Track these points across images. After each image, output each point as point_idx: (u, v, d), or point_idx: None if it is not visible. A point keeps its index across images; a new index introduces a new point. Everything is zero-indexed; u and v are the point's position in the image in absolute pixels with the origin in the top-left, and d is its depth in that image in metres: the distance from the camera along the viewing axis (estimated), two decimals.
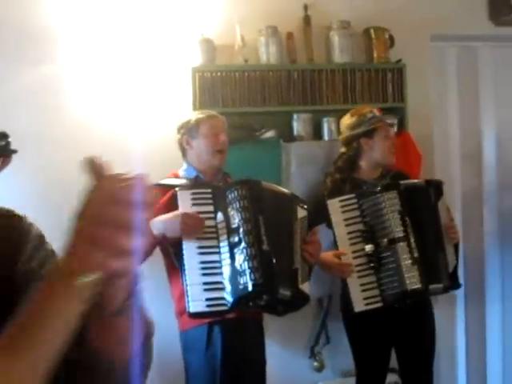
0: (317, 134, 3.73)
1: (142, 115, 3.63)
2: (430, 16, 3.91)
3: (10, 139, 2.31)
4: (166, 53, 3.66)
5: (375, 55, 3.78)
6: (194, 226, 2.55)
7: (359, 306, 2.96)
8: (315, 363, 3.79)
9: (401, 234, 2.91)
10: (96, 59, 3.61)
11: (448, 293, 3.22)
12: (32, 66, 3.49)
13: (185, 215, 2.55)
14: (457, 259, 3.11)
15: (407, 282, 2.87)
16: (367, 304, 2.95)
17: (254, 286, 2.45)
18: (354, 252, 2.99)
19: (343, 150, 3.27)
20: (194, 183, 2.85)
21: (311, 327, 3.80)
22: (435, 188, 3.04)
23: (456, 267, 3.08)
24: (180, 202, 2.61)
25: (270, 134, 3.64)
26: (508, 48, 4.33)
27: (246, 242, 2.50)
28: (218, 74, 3.60)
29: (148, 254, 2.62)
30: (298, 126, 3.67)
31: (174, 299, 2.82)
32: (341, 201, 3.02)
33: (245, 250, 2.49)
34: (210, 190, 2.67)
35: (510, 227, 4.13)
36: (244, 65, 3.63)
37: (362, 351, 3.24)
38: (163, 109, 3.66)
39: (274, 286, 2.52)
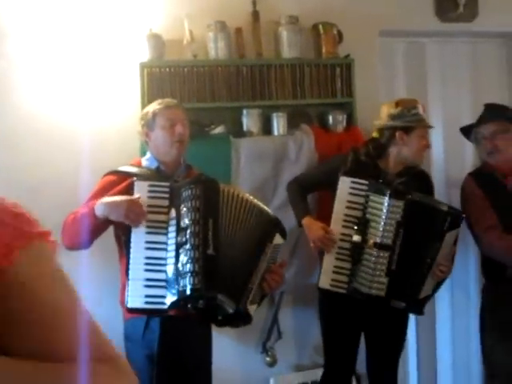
0: (266, 129, 3.72)
1: (91, 112, 3.59)
2: (378, 12, 3.95)
3: None
4: (114, 48, 3.61)
5: (324, 50, 3.79)
6: (137, 215, 2.51)
7: (324, 283, 3.01)
8: (267, 358, 3.79)
9: (389, 243, 2.92)
10: (45, 54, 3.54)
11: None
12: None
13: (131, 201, 2.52)
14: (433, 292, 3.08)
15: (373, 286, 2.91)
16: (332, 286, 3.00)
17: (191, 290, 2.39)
18: (342, 234, 3.00)
19: (375, 134, 3.26)
20: (153, 175, 2.81)
21: (263, 322, 3.80)
22: (452, 218, 2.93)
23: (427, 297, 3.05)
24: (136, 193, 2.57)
25: (219, 129, 3.62)
26: (454, 44, 4.40)
27: (191, 244, 2.44)
28: (167, 69, 3.56)
29: (94, 233, 2.63)
30: (248, 121, 3.66)
31: (120, 288, 2.77)
32: (353, 182, 3.03)
33: (189, 252, 2.43)
34: (168, 184, 2.63)
35: None
36: (193, 60, 3.61)
37: (332, 330, 3.28)
38: (112, 105, 3.62)
39: (213, 293, 2.44)
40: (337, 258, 3.00)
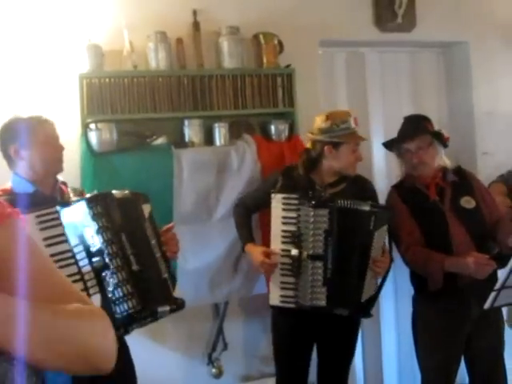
0: (208, 139, 3.70)
1: None
2: (318, 22, 3.99)
3: None
4: (52, 59, 3.54)
5: (265, 60, 3.80)
6: None
7: (274, 300, 3.05)
8: (213, 370, 3.78)
9: (320, 252, 2.94)
10: None
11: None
12: None
13: None
14: (377, 291, 3.10)
15: (313, 297, 2.94)
16: (282, 302, 3.03)
17: (133, 313, 2.29)
18: (282, 250, 3.03)
19: (308, 145, 3.25)
20: (34, 201, 2.46)
21: (208, 333, 3.79)
22: (377, 216, 2.96)
23: (372, 298, 3.07)
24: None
25: (160, 140, 3.59)
26: (393, 53, 4.49)
27: (114, 266, 2.30)
28: (107, 80, 3.51)
29: None
30: (190, 131, 3.63)
31: None
32: (284, 198, 3.04)
33: (115, 276, 2.29)
34: (55, 209, 2.37)
35: None
36: (133, 71, 3.57)
37: (283, 341, 3.28)
38: (50, 116, 3.53)
39: (154, 307, 2.37)
40: (281, 274, 3.03)
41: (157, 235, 2.59)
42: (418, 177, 3.35)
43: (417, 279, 3.38)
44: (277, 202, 3.05)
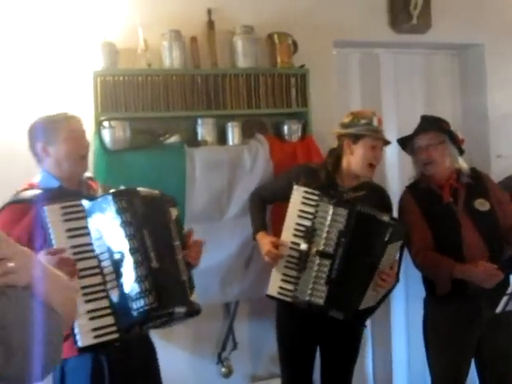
0: (221, 139, 3.71)
1: None
2: (333, 22, 3.99)
3: None
4: (66, 56, 3.55)
5: (279, 60, 3.80)
6: (69, 273, 2.15)
7: (272, 291, 3.00)
8: (223, 369, 3.78)
9: (330, 251, 2.93)
10: None
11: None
12: None
13: (62, 262, 2.18)
14: (377, 304, 3.06)
15: (313, 294, 2.92)
16: (279, 293, 2.99)
17: (149, 310, 2.28)
18: (292, 243, 3.01)
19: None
20: (60, 194, 2.49)
21: (218, 332, 3.79)
22: (394, 230, 2.90)
23: (370, 310, 3.03)
24: (49, 220, 2.31)
25: (174, 139, 3.59)
26: (407, 54, 4.48)
27: (133, 262, 2.30)
28: (121, 78, 3.52)
29: None
30: (203, 130, 3.64)
31: None
32: (305, 192, 3.03)
33: (133, 271, 2.29)
34: (80, 202, 2.40)
35: None
36: (147, 69, 3.57)
37: (287, 342, 3.29)
38: None
39: (170, 307, 2.35)
40: (285, 267, 3.01)
41: (181, 239, 2.58)
42: (432, 178, 3.34)
43: (428, 281, 3.36)
44: (298, 194, 3.03)
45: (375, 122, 3.19)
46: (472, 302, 3.18)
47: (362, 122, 3.16)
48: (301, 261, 2.97)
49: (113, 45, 3.54)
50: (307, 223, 3.00)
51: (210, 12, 3.77)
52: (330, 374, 3.32)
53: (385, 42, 4.28)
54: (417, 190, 3.40)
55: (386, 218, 2.93)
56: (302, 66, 3.83)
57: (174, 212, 2.61)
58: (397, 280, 3.07)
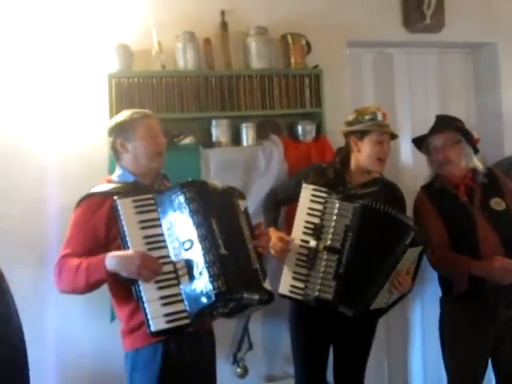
0: (235, 139, 3.72)
1: (58, 123, 3.56)
2: (346, 22, 3.99)
3: None
4: (81, 58, 3.60)
5: (292, 61, 3.81)
6: (151, 271, 2.35)
7: (284, 289, 3.00)
8: (238, 369, 3.78)
9: (337, 246, 2.93)
10: (10, 65, 3.51)
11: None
12: None
13: (144, 257, 2.35)
14: (389, 306, 3.03)
15: (321, 289, 2.91)
16: (291, 292, 2.99)
17: (217, 294, 2.29)
18: (302, 240, 3.01)
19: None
20: (134, 189, 2.63)
21: (233, 333, 3.79)
22: (418, 234, 2.89)
23: (381, 311, 2.99)
24: (122, 212, 2.44)
25: (188, 140, 3.61)
26: (421, 54, 4.47)
27: (202, 249, 2.36)
28: (135, 80, 3.55)
29: (100, 284, 2.49)
30: (217, 131, 3.66)
31: (121, 319, 2.61)
32: (314, 189, 3.05)
33: (202, 257, 2.35)
34: (151, 196, 2.53)
35: None
36: (161, 71, 3.60)
37: (300, 341, 3.30)
38: (79, 116, 3.59)
39: (239, 292, 2.37)
40: (296, 264, 3.01)
41: (251, 229, 2.64)
42: (448, 177, 3.32)
43: (444, 281, 3.35)
44: (307, 192, 3.05)
45: (380, 117, 3.20)
46: (488, 301, 3.16)
47: (366, 118, 3.18)
48: (310, 258, 2.97)
49: (127, 47, 3.57)
50: (316, 220, 3.01)
51: (223, 13, 3.78)
52: (343, 371, 3.32)
53: (398, 42, 4.27)
54: (432, 189, 3.38)
55: (410, 222, 2.94)
56: (316, 67, 3.84)
57: (242, 204, 2.67)
58: (411, 286, 3.04)
